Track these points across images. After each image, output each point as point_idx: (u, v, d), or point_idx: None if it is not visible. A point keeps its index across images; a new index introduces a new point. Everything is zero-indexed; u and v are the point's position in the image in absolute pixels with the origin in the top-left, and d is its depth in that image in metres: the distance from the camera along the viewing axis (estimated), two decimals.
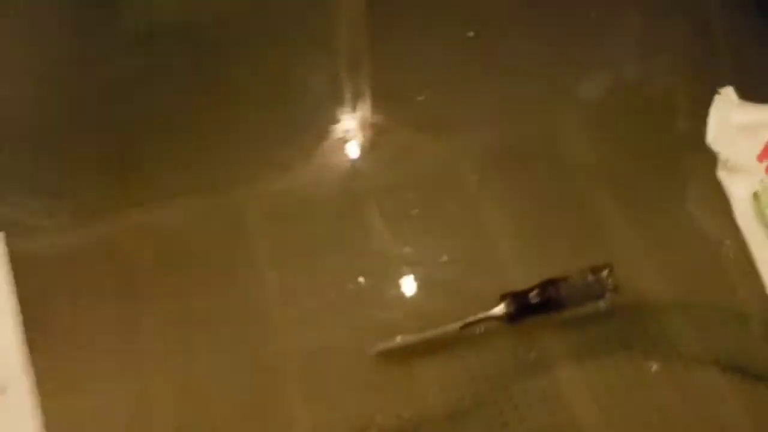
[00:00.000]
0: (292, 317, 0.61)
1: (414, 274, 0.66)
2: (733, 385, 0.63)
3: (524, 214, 0.71)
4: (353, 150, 0.75)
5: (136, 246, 0.65)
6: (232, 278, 0.63)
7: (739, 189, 0.71)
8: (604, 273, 0.66)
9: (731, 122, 0.74)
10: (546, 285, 0.66)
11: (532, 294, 0.65)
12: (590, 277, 0.66)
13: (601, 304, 0.66)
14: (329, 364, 0.61)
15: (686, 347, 0.65)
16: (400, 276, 0.66)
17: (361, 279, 0.64)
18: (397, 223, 0.69)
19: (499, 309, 0.65)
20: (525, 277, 0.65)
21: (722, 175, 0.74)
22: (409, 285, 0.66)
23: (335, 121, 0.76)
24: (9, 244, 0.63)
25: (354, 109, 0.77)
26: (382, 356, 0.64)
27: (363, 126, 0.77)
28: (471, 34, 0.80)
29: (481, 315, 0.65)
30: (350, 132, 0.76)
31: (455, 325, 0.64)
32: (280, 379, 0.59)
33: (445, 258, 0.68)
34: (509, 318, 0.65)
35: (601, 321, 0.66)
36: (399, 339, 0.64)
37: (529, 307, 0.65)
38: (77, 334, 0.60)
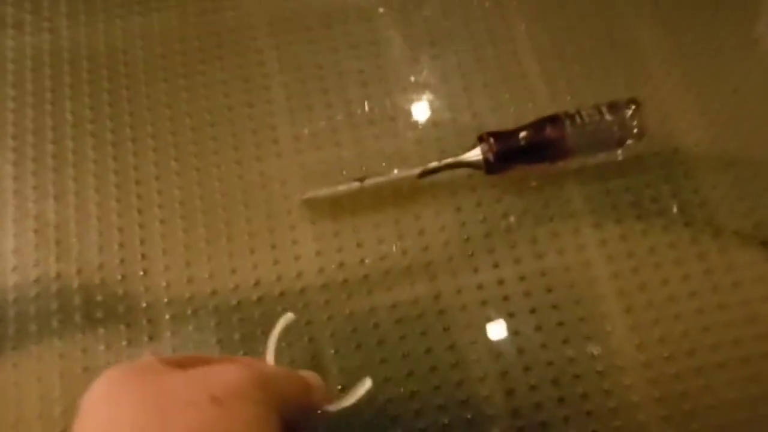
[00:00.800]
0: (296, 134, 0.55)
1: (424, 102, 0.56)
2: None
3: (552, 32, 0.58)
4: None
5: (133, 50, 0.59)
6: (237, 88, 0.57)
7: None
8: (628, 112, 0.48)
9: None
10: (542, 123, 0.48)
11: (523, 134, 0.47)
12: (608, 117, 0.48)
13: (620, 153, 0.51)
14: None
15: (726, 215, 0.51)
16: (409, 104, 0.56)
17: (366, 103, 0.56)
18: (414, 39, 0.58)
19: (475, 153, 0.48)
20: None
21: None
22: (419, 113, 0.56)
23: None
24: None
25: None
26: (310, 203, 0.49)
27: None
28: None
29: (449, 160, 0.48)
30: None
31: (412, 172, 0.48)
32: (275, 192, 0.53)
33: (458, 83, 0.56)
34: (487, 166, 0.48)
35: (617, 175, 0.52)
36: (337, 188, 0.49)
37: (517, 152, 0.48)
38: (63, 139, 0.56)
